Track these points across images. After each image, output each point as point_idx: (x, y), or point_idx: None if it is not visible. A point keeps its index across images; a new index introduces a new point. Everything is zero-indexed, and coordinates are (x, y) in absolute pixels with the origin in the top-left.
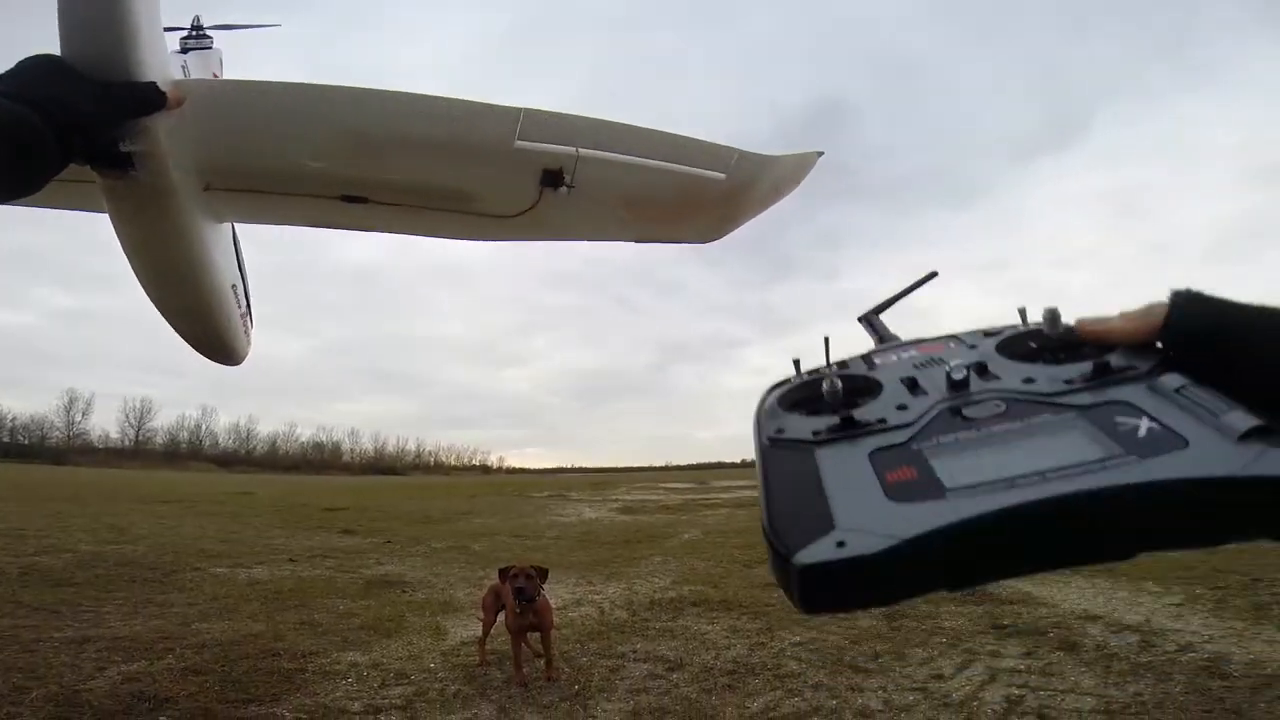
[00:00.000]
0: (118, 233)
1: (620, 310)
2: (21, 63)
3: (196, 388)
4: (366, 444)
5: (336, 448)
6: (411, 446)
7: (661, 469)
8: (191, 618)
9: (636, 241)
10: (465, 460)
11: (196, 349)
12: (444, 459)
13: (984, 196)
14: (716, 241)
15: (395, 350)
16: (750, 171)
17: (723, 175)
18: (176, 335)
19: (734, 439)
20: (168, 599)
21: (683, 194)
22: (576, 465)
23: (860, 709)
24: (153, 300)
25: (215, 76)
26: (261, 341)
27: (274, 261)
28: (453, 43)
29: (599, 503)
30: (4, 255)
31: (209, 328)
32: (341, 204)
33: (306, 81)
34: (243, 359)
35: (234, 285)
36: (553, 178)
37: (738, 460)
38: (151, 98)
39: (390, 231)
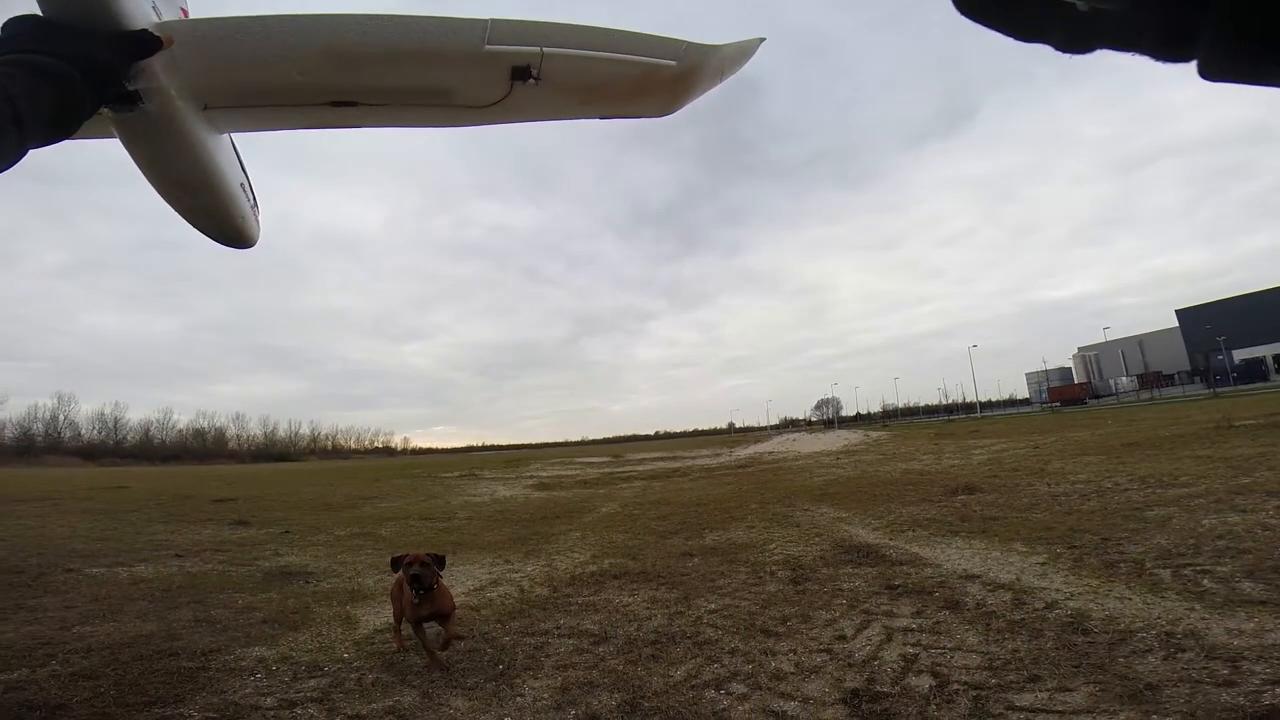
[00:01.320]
0: (134, 157)
1: (530, 282)
2: (9, 24)
3: (46, 373)
4: (254, 429)
5: (220, 434)
6: (305, 430)
7: (577, 444)
8: (71, 621)
9: (600, 118)
10: (367, 443)
11: (218, 240)
12: (343, 442)
13: (877, 179)
14: (666, 117)
15: (280, 326)
16: (697, 58)
17: (674, 63)
18: (198, 232)
19: (647, 411)
20: (40, 603)
21: (638, 80)
22: (488, 443)
23: (774, 672)
24: (175, 208)
25: (184, 13)
26: (123, 321)
27: (136, 233)
28: None
29: (513, 480)
30: None
31: (227, 223)
32: (332, 108)
33: (286, 13)
34: (256, 242)
35: (242, 184)
36: (521, 73)
37: (651, 432)
38: (150, 42)
39: (380, 126)
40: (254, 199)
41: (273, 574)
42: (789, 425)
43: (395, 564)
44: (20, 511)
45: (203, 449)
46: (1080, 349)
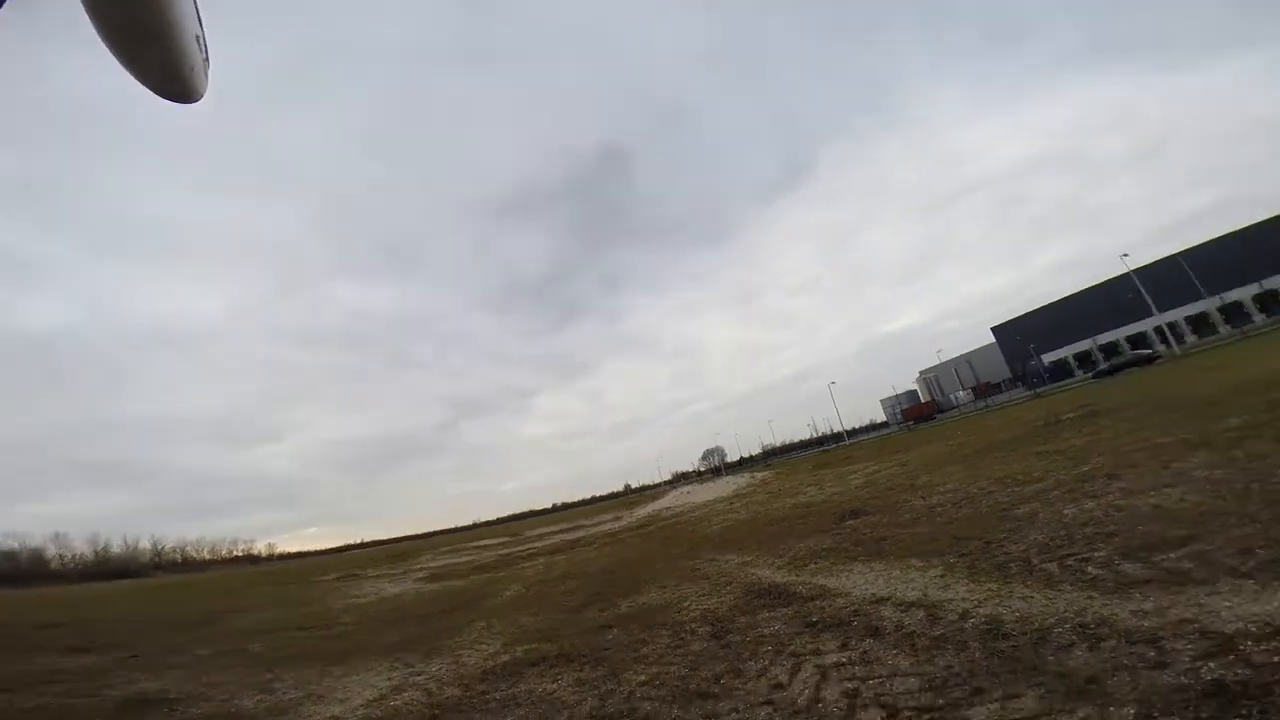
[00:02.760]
0: (94, 20)
1: (396, 367)
2: None
3: None
4: (81, 547)
5: (38, 554)
6: (146, 544)
7: (468, 528)
8: None
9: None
10: (225, 552)
11: (163, 95)
12: (194, 554)
13: (735, 235)
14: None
15: (99, 436)
16: None
17: None
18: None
19: (539, 486)
20: None
21: None
22: (367, 540)
23: None
24: (124, 62)
25: None
26: None
27: None
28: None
29: (400, 575)
30: None
31: (177, 76)
32: None
33: None
34: (203, 96)
35: (196, 36)
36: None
37: (549, 505)
38: None
39: None
40: (207, 53)
41: (128, 703)
42: (681, 478)
43: None
44: None
45: (15, 573)
46: (921, 372)
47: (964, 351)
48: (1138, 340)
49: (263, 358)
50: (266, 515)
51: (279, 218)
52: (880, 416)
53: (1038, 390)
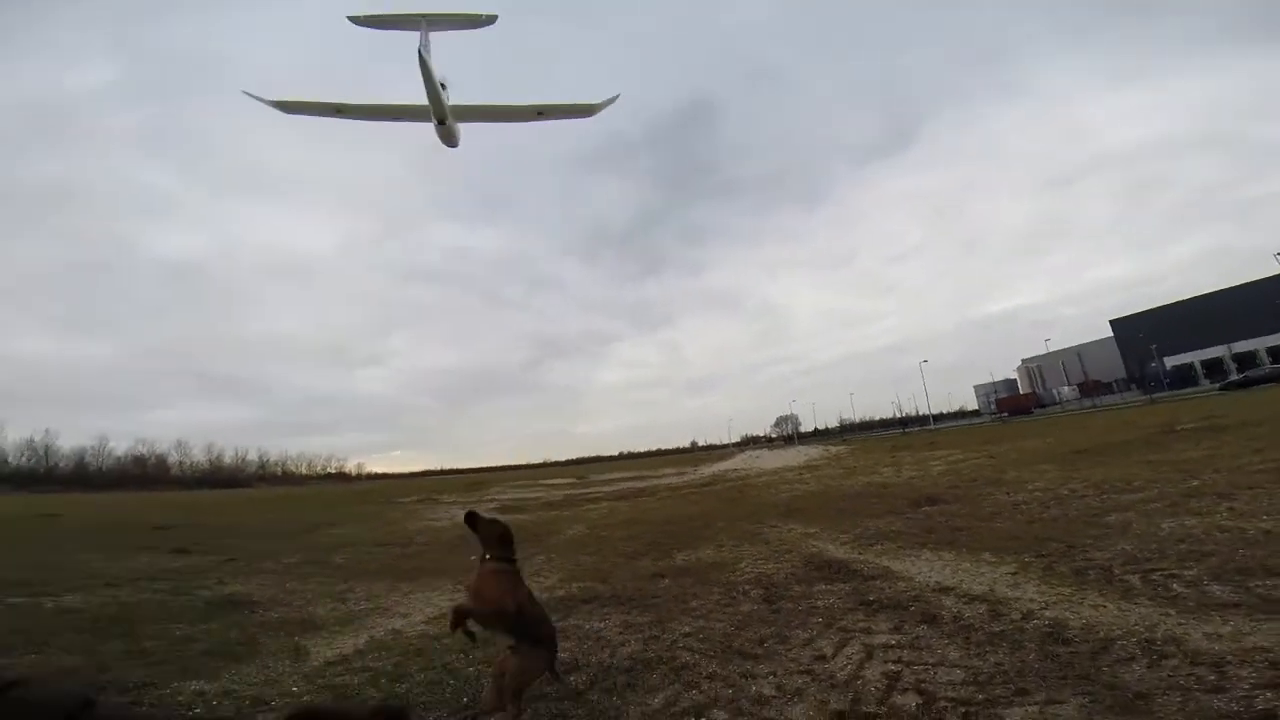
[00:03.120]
0: (441, 138)
1: (490, 306)
2: None
3: None
4: (198, 455)
5: (162, 461)
6: (254, 457)
7: (540, 466)
8: None
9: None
10: (320, 468)
11: (450, 144)
12: (294, 468)
13: (827, 196)
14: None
15: (225, 353)
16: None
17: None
18: None
19: (611, 432)
20: None
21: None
22: (448, 467)
23: (755, 696)
24: (444, 141)
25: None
26: (52, 346)
27: (69, 256)
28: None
29: (474, 504)
30: None
31: (453, 140)
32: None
33: (460, 103)
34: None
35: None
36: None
37: (616, 453)
38: None
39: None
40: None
41: (215, 603)
42: (750, 442)
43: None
44: None
45: (143, 476)
46: (1024, 360)
47: (1075, 343)
48: None
49: (368, 290)
50: (359, 436)
51: (387, 164)
52: (972, 404)
53: (1154, 396)
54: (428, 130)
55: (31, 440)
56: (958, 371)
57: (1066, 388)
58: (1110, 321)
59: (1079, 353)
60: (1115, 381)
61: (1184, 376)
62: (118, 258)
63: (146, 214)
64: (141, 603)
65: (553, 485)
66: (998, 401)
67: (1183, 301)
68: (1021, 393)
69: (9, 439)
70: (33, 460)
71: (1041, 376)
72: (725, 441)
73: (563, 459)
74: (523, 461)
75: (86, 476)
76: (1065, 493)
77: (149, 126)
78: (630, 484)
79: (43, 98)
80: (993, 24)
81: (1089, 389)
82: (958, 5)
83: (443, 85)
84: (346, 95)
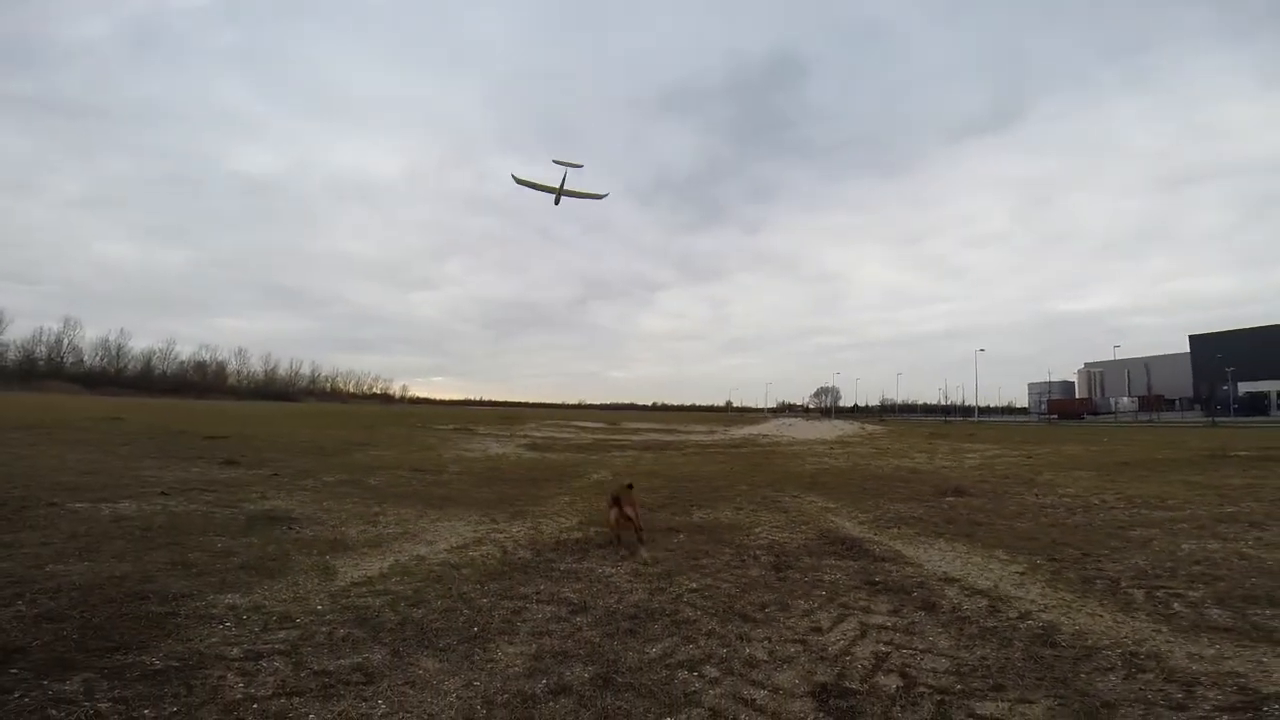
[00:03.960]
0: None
1: (543, 241)
2: None
3: (55, 297)
4: (256, 365)
5: (221, 368)
6: (306, 370)
7: (573, 407)
8: (45, 558)
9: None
10: (365, 388)
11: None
12: (342, 385)
13: (910, 169)
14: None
15: (291, 266)
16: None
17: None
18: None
19: (646, 380)
20: (17, 538)
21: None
22: (485, 398)
23: (747, 658)
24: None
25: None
26: (134, 251)
27: (157, 169)
28: None
29: (506, 438)
30: None
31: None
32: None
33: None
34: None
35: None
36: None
37: (649, 403)
38: None
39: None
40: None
41: (256, 518)
42: (786, 410)
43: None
44: (13, 439)
45: (202, 382)
46: (1087, 364)
47: (1145, 354)
48: None
49: (429, 216)
50: (406, 358)
51: (457, 92)
52: (1022, 401)
53: (1216, 419)
54: (507, 62)
55: (107, 340)
56: (1014, 366)
57: (1126, 398)
58: (1190, 337)
59: (1147, 364)
60: (1180, 399)
61: (1255, 404)
62: (201, 172)
63: (231, 132)
64: (189, 513)
65: (583, 428)
66: (1049, 402)
67: (1271, 327)
68: (1076, 397)
69: (87, 338)
70: (105, 360)
71: (1102, 384)
72: (760, 406)
73: (596, 402)
74: (558, 400)
75: (151, 380)
76: (1095, 502)
77: (240, 48)
78: (659, 436)
79: (148, 17)
80: (1143, 14)
81: (1150, 403)
82: None
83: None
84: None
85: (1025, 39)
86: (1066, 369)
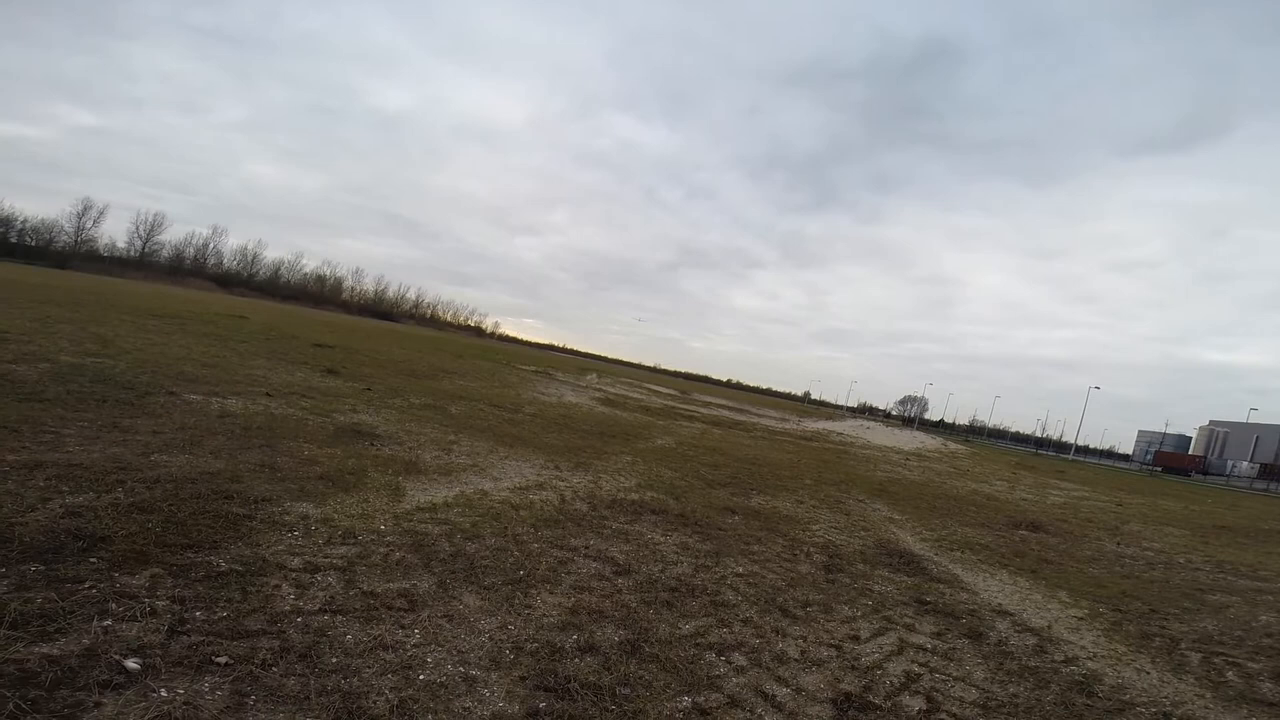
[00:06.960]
0: None
1: (646, 202)
2: None
3: (210, 207)
4: (368, 284)
5: (338, 283)
6: (412, 295)
7: (649, 369)
8: (153, 448)
9: None
10: (461, 319)
11: None
12: (441, 314)
13: (1065, 181)
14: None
15: (411, 198)
16: None
17: None
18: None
19: (726, 355)
20: (133, 424)
21: None
22: (568, 345)
23: (778, 653)
24: None
25: None
26: (278, 173)
27: (305, 99)
28: None
29: (582, 389)
30: (34, 77)
31: None
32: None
33: None
34: None
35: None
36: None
37: (724, 379)
38: None
39: None
40: None
41: (344, 430)
42: (866, 412)
43: None
44: (151, 326)
45: (320, 294)
46: (1212, 422)
47: None
48: None
49: (543, 164)
50: (502, 296)
51: (585, 45)
52: (1126, 447)
53: None
54: (636, 16)
55: (245, 247)
56: (1128, 410)
57: (1246, 463)
58: None
59: None
60: None
61: None
62: (343, 104)
63: (373, 68)
64: (286, 417)
65: (656, 392)
66: (1156, 453)
67: None
68: (1189, 453)
69: (228, 244)
70: (241, 265)
71: (1223, 444)
72: (840, 402)
73: (672, 369)
74: (636, 360)
75: (277, 287)
76: (1180, 560)
77: None
78: (729, 414)
79: None
80: None
81: (1272, 471)
82: None
83: None
84: None
85: (1240, 51)
86: (1186, 422)
